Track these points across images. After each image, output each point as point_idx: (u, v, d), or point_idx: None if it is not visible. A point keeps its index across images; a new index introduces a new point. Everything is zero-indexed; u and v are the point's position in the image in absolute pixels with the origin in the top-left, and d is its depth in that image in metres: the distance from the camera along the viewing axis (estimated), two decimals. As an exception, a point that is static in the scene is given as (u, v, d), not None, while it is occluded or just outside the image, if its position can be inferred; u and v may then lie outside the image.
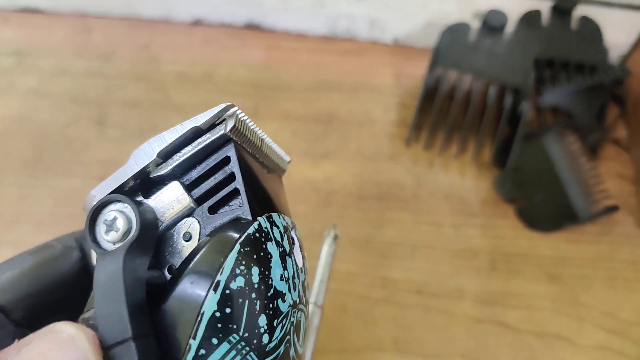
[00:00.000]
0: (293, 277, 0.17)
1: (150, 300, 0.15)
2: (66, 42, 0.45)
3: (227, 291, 0.15)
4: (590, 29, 0.43)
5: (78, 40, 0.45)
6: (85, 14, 0.47)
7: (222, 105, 0.16)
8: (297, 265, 0.18)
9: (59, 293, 0.18)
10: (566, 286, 0.36)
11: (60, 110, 0.41)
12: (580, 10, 0.43)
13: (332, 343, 0.33)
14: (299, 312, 0.18)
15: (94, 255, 0.16)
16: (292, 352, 0.17)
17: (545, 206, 0.39)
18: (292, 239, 0.18)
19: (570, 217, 0.38)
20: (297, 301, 0.17)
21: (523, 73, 0.40)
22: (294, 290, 0.17)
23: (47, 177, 0.38)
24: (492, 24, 0.41)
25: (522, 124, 0.39)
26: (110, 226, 0.15)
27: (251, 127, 0.18)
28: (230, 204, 0.17)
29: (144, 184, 0.16)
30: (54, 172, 0.38)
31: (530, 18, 0.43)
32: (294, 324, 0.17)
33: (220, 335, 0.14)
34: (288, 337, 0.16)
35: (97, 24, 0.46)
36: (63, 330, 0.13)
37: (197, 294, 0.14)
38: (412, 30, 0.46)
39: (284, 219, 0.18)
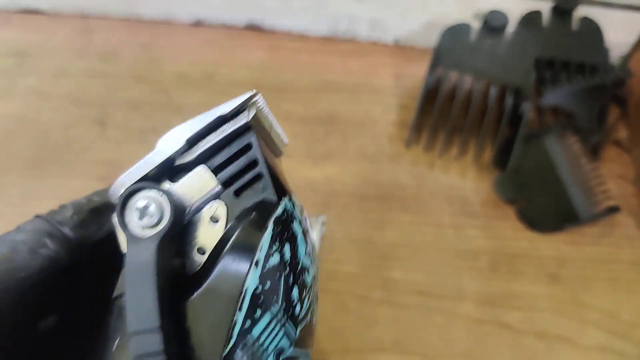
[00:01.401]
0: (312, 253, 0.19)
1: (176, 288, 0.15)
2: (67, 43, 0.45)
3: (266, 268, 0.16)
4: (591, 30, 0.42)
5: (79, 41, 0.45)
6: (86, 15, 0.47)
7: (248, 94, 0.17)
8: (312, 242, 0.19)
9: (31, 305, 0.16)
10: (567, 287, 0.36)
11: (61, 111, 0.41)
12: (581, 11, 0.43)
13: (333, 343, 0.33)
14: (317, 284, 0.19)
15: (122, 238, 0.17)
16: (314, 319, 0.19)
17: (546, 207, 0.39)
18: (306, 218, 0.19)
19: (571, 218, 0.38)
20: (316, 274, 0.19)
21: (524, 73, 0.40)
22: (314, 264, 0.19)
23: (48, 177, 0.38)
24: (492, 24, 0.41)
25: (522, 124, 0.39)
26: (143, 213, 0.15)
27: (266, 114, 0.19)
28: (253, 187, 0.17)
29: (170, 169, 0.17)
30: (55, 173, 0.38)
31: (531, 18, 0.43)
32: (316, 294, 0.19)
33: (263, 308, 0.16)
34: (312, 307, 0.18)
35: (98, 25, 0.46)
36: None
37: (239, 271, 0.15)
38: (413, 30, 0.46)
39: (297, 199, 0.19)
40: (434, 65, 0.41)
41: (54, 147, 0.40)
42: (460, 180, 0.40)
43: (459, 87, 0.41)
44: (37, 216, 0.18)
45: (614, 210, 0.38)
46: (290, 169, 0.39)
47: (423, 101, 0.40)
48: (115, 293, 0.17)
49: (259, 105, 0.18)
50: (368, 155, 0.41)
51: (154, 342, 0.14)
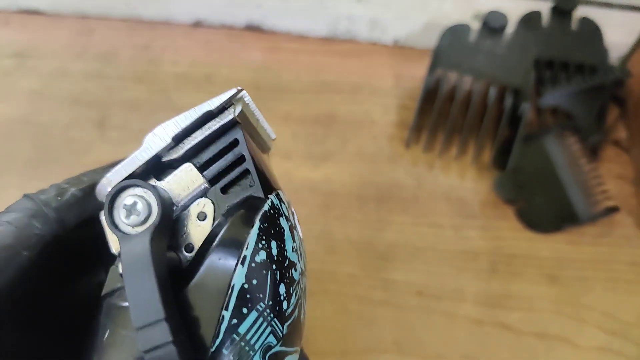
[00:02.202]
0: (299, 248, 0.19)
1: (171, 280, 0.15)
2: (67, 44, 0.45)
3: (253, 264, 0.16)
4: (591, 30, 0.43)
5: (79, 42, 0.45)
6: (86, 16, 0.47)
7: (234, 90, 0.17)
8: (300, 237, 0.19)
9: (22, 285, 0.16)
10: (566, 287, 0.36)
11: (61, 112, 0.41)
12: (580, 11, 0.43)
13: (333, 345, 0.33)
14: (305, 279, 0.19)
15: (109, 234, 0.17)
16: (302, 315, 0.18)
17: (546, 207, 0.39)
18: (293, 213, 0.19)
19: (571, 218, 0.38)
20: (304, 269, 0.19)
21: (523, 74, 0.40)
22: (301, 259, 0.18)
23: (48, 178, 0.38)
24: (492, 25, 0.41)
25: (522, 125, 0.39)
26: (130, 210, 0.15)
27: (252, 110, 0.19)
28: (240, 183, 0.17)
29: (156, 167, 0.17)
30: (55, 174, 0.38)
31: (530, 19, 0.43)
32: (303, 289, 0.18)
33: (249, 305, 0.15)
34: (300, 301, 0.18)
35: (97, 26, 0.46)
36: None
37: (226, 268, 0.15)
38: (412, 31, 0.46)
39: (285, 195, 0.19)
40: (434, 65, 0.41)
41: (54, 148, 0.40)
42: (459, 181, 0.40)
43: (458, 88, 0.41)
44: (25, 195, 0.18)
45: (613, 210, 0.38)
46: (290, 170, 0.40)
47: (422, 102, 0.40)
48: (105, 290, 0.17)
49: (245, 100, 0.18)
50: (367, 155, 0.41)
51: (162, 333, 0.14)
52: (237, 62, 0.45)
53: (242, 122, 0.17)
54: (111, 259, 0.17)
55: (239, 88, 0.17)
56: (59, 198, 0.18)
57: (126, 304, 0.15)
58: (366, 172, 0.40)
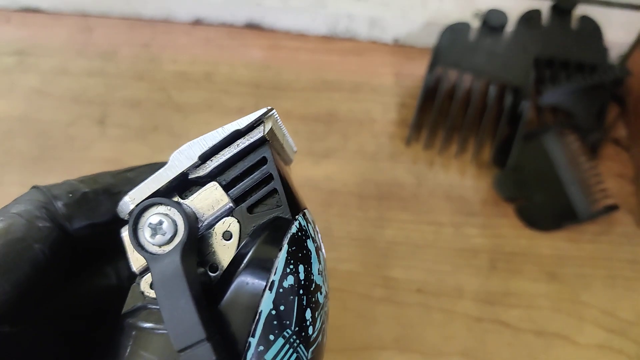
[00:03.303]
0: (324, 270, 0.18)
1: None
2: (67, 42, 0.45)
3: (281, 290, 0.15)
4: (590, 29, 0.43)
5: (79, 40, 0.45)
6: (86, 14, 0.47)
7: (264, 110, 0.17)
8: (324, 258, 0.19)
9: (34, 280, 0.15)
10: (566, 285, 0.36)
11: (62, 110, 0.41)
12: (580, 10, 0.43)
13: (332, 342, 0.33)
14: (328, 301, 0.19)
15: (130, 251, 0.16)
16: (325, 339, 0.18)
17: (545, 205, 0.39)
18: (317, 232, 0.19)
19: (570, 216, 0.38)
20: (327, 291, 0.18)
21: (523, 72, 0.40)
22: (326, 281, 0.18)
23: (48, 176, 0.38)
24: (492, 23, 0.41)
25: (522, 123, 0.39)
26: (155, 230, 0.15)
27: (280, 126, 0.18)
28: (267, 202, 0.17)
29: (181, 184, 0.17)
30: (55, 171, 0.39)
31: (530, 17, 0.43)
32: (327, 312, 0.18)
33: (276, 332, 0.15)
34: (324, 325, 0.17)
35: (98, 24, 0.46)
36: None
37: (253, 294, 0.15)
38: (412, 29, 0.46)
39: (310, 214, 0.19)
40: (434, 64, 0.41)
41: (55, 146, 0.40)
42: (459, 179, 0.40)
43: (458, 86, 0.41)
44: (35, 187, 0.17)
45: (612, 208, 0.38)
46: (291, 167, 0.40)
47: (423, 100, 0.40)
48: (125, 309, 0.16)
49: (274, 117, 0.17)
50: (368, 153, 0.41)
51: (206, 354, 0.14)
52: (237, 61, 0.45)
53: (270, 140, 0.17)
54: (122, 263, 0.17)
55: (269, 107, 0.17)
56: (70, 195, 0.17)
57: (148, 325, 0.15)
58: (367, 169, 0.40)
